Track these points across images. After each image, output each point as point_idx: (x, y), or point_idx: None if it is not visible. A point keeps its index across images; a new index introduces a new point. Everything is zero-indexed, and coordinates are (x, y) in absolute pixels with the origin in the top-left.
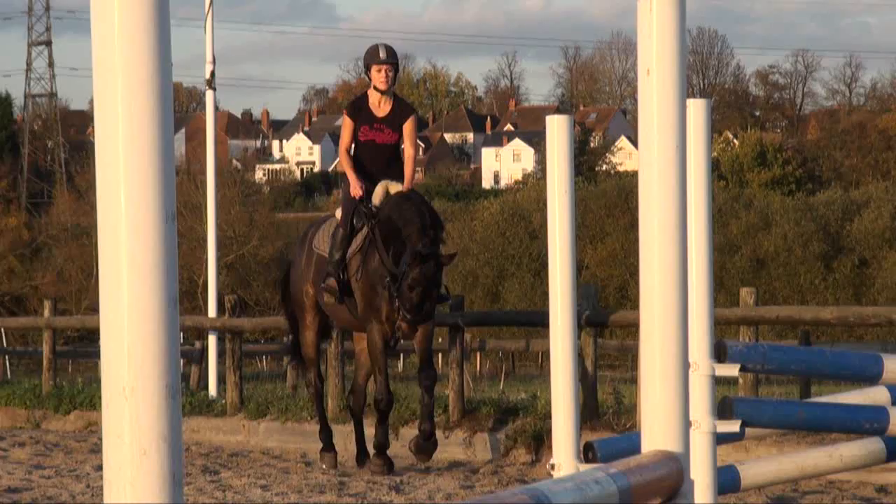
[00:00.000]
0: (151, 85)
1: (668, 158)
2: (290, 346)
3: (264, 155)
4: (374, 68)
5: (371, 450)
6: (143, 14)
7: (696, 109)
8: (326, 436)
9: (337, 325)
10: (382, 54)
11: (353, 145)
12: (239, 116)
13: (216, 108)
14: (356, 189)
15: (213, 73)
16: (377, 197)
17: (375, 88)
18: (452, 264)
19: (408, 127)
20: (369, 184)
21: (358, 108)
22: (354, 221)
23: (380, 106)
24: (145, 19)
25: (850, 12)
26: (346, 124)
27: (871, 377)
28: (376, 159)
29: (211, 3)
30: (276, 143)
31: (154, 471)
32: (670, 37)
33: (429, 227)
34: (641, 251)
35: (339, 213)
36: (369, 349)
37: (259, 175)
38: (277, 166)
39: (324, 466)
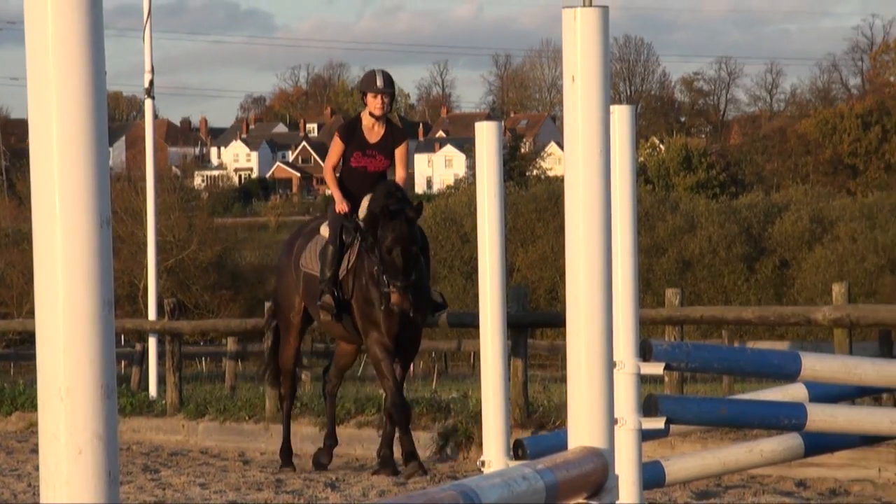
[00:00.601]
0: (85, 93)
1: (592, 163)
2: (269, 356)
3: (203, 162)
4: (370, 95)
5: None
6: (77, 24)
7: (621, 115)
8: (287, 455)
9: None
10: (380, 83)
11: (338, 165)
12: (178, 124)
13: (155, 117)
14: (342, 205)
15: (151, 83)
16: (363, 211)
17: (371, 114)
18: (422, 217)
19: (399, 152)
20: (353, 203)
21: (351, 131)
22: (343, 237)
23: (373, 130)
24: (78, 29)
25: (770, 20)
26: (336, 144)
27: (790, 375)
28: (364, 185)
29: (149, 14)
30: (214, 150)
31: (90, 469)
32: (594, 45)
33: (394, 191)
34: (567, 254)
35: (325, 230)
36: (373, 364)
37: (198, 181)
38: (216, 173)
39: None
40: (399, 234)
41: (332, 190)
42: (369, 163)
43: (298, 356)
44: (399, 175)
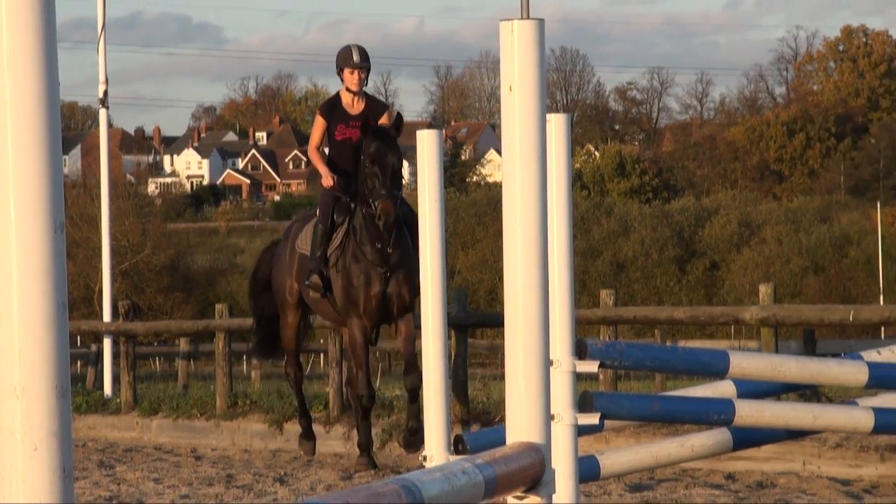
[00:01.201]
0: (39, 103)
1: (529, 169)
2: (256, 344)
3: (156, 169)
4: (346, 70)
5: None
6: (30, 37)
7: (557, 123)
8: (306, 422)
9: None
10: (356, 58)
11: (322, 144)
12: (132, 133)
13: (110, 126)
14: (327, 179)
15: (106, 93)
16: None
17: (347, 90)
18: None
19: (383, 121)
20: (343, 179)
21: (331, 108)
22: (335, 217)
23: (353, 105)
24: (32, 42)
25: (700, 32)
26: (318, 124)
27: (719, 372)
28: (352, 158)
29: (103, 27)
30: (167, 158)
31: (45, 466)
32: (530, 56)
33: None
34: (505, 256)
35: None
36: (350, 344)
37: (151, 188)
38: (169, 180)
39: (302, 452)
40: (379, 147)
41: (318, 166)
42: (354, 133)
43: (299, 334)
44: None
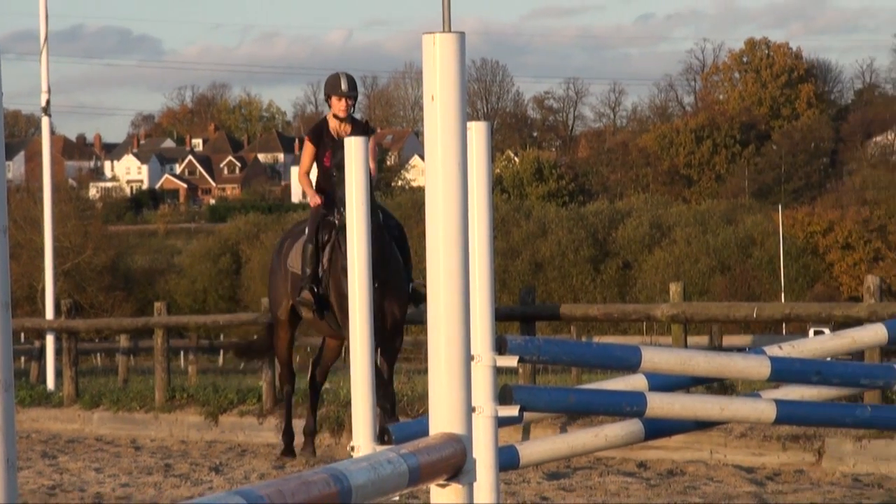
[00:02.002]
0: None
1: (450, 174)
2: (247, 345)
3: (97, 174)
4: (334, 98)
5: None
6: None
7: (478, 131)
8: (289, 440)
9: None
10: (344, 86)
11: (310, 169)
12: (74, 140)
13: (52, 133)
14: (314, 199)
15: (48, 102)
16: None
17: (335, 116)
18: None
19: (369, 145)
20: (330, 201)
21: (319, 134)
22: (320, 236)
23: (340, 130)
24: None
25: (613, 45)
26: (307, 149)
27: (631, 366)
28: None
29: (46, 39)
30: (107, 164)
31: None
32: (451, 68)
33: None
34: (428, 257)
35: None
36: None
37: (93, 192)
38: (109, 184)
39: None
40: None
41: (306, 189)
42: None
43: (291, 347)
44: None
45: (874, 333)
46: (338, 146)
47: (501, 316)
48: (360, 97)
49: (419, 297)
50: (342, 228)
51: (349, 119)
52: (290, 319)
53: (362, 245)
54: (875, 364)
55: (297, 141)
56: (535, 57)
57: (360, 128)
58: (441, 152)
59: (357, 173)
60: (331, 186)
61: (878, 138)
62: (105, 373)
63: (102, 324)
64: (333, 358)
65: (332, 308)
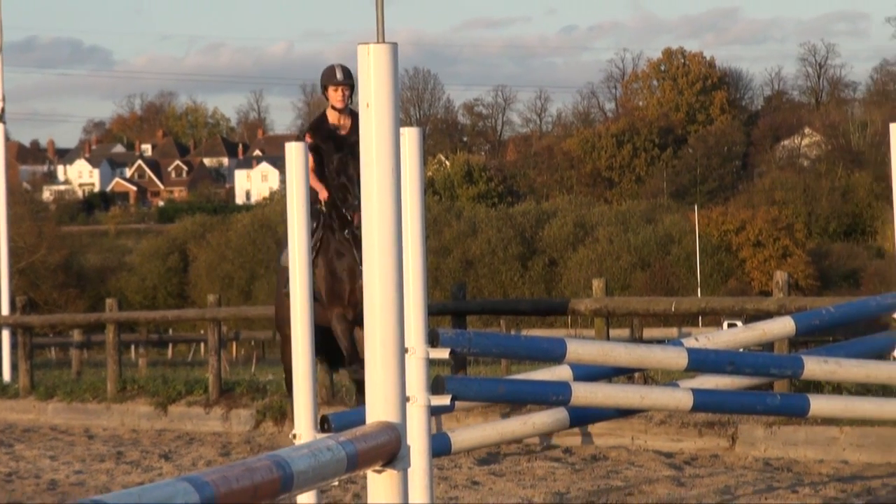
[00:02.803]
0: None
1: (385, 177)
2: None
3: (50, 178)
4: (331, 88)
5: None
6: None
7: (410, 136)
8: None
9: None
10: (339, 76)
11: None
12: (28, 146)
13: (7, 139)
14: (324, 192)
15: (3, 109)
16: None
17: (333, 107)
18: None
19: None
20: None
21: (318, 128)
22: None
23: (340, 123)
24: None
25: (539, 54)
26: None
27: (557, 358)
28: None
29: (0, 49)
30: (60, 168)
31: None
32: (385, 76)
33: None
34: (364, 255)
35: None
36: (336, 335)
37: (46, 195)
38: (62, 187)
39: None
40: (342, 158)
41: (313, 183)
42: None
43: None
44: None
45: (783, 326)
46: (338, 146)
47: (434, 311)
48: (302, 105)
49: None
50: (333, 213)
51: (347, 110)
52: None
53: (303, 251)
54: (784, 355)
55: (240, 146)
56: (465, 66)
57: (358, 119)
58: (376, 156)
59: (297, 176)
60: (335, 190)
61: (786, 142)
62: (59, 366)
63: (56, 319)
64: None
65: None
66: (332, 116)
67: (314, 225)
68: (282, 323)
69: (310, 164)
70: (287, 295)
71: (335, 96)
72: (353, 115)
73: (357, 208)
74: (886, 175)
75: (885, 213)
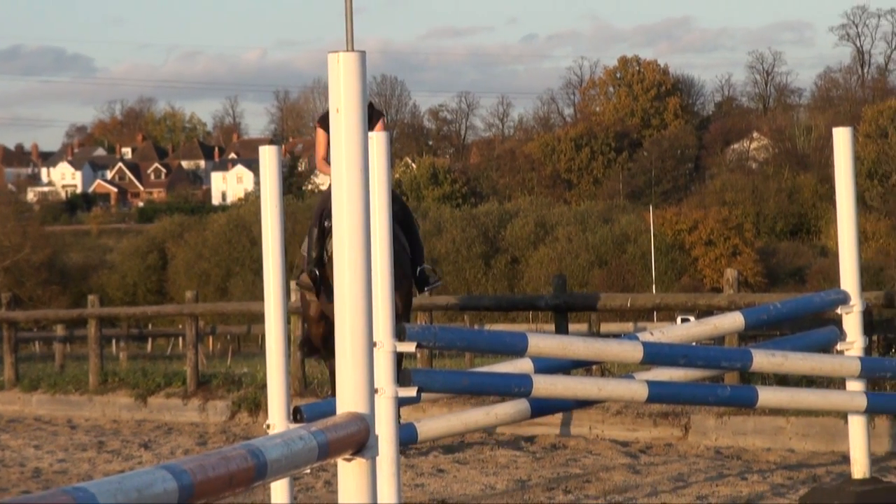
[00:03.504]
0: None
1: (354, 179)
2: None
3: (35, 180)
4: None
5: None
6: None
7: (378, 140)
8: None
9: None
10: None
11: (327, 155)
12: (13, 149)
13: None
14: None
15: None
16: None
17: None
18: None
19: (378, 129)
20: None
21: (328, 119)
22: (324, 221)
23: None
24: None
25: (501, 62)
26: (320, 136)
27: (518, 351)
28: None
29: None
30: (44, 171)
31: None
32: (354, 83)
33: None
34: (335, 253)
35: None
36: None
37: (31, 196)
38: (46, 189)
39: None
40: None
41: (325, 173)
42: None
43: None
44: None
45: (733, 321)
46: None
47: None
48: (275, 110)
49: (425, 281)
50: None
51: None
52: (320, 318)
53: (276, 250)
54: (734, 348)
55: (216, 149)
56: (430, 73)
57: (370, 111)
58: (345, 159)
59: (271, 177)
60: None
61: (736, 146)
62: (43, 359)
63: (40, 315)
64: None
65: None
66: None
67: (329, 225)
68: (304, 306)
69: (320, 153)
70: (297, 284)
71: None
72: (370, 107)
73: None
74: (830, 177)
75: (828, 214)
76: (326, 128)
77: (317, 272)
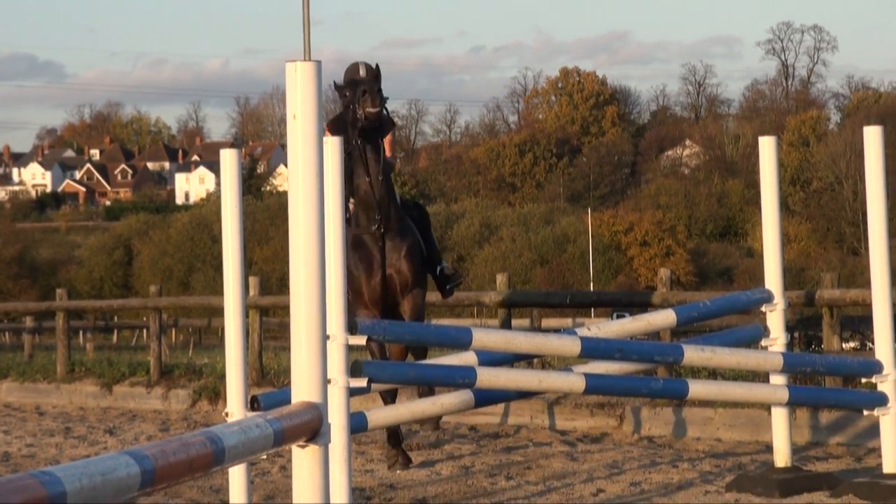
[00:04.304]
0: None
1: (309, 181)
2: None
3: (6, 180)
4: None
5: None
6: None
7: (332, 144)
8: (395, 441)
9: None
10: (363, 73)
11: None
12: None
13: None
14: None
15: None
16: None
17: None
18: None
19: (388, 138)
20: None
21: (342, 123)
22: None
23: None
24: None
25: (450, 72)
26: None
27: (464, 345)
28: None
29: None
30: (15, 171)
31: None
32: (310, 91)
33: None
34: (291, 251)
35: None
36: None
37: (2, 195)
38: (17, 188)
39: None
40: (364, 77)
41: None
42: None
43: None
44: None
45: (665, 317)
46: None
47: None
48: (236, 115)
49: (446, 281)
50: (360, 204)
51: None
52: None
53: (236, 247)
54: (666, 343)
55: (180, 151)
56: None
57: (382, 120)
58: (301, 162)
59: (231, 179)
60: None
61: (669, 152)
62: (13, 349)
63: (10, 307)
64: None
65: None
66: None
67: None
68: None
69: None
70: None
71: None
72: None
73: (366, 98)
74: (756, 183)
75: (755, 217)
76: (335, 132)
77: None
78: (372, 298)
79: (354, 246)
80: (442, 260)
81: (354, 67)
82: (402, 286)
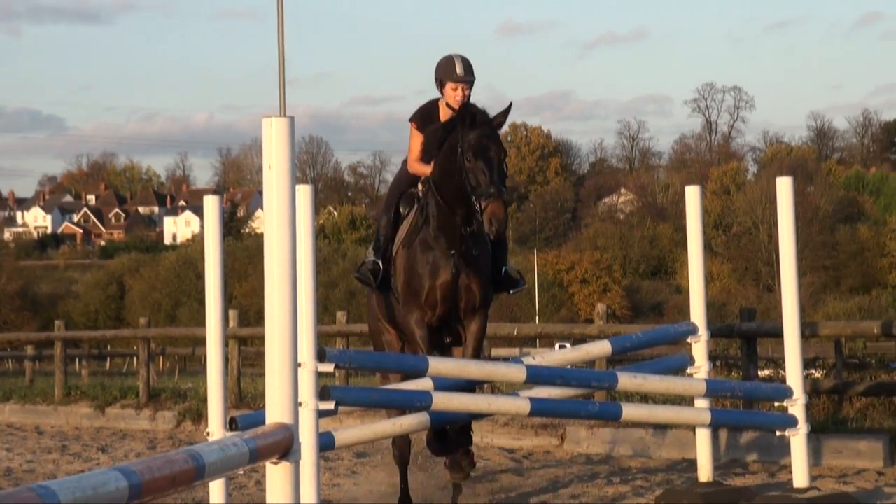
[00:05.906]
0: None
1: (283, 225)
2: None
3: (10, 222)
4: (449, 85)
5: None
6: None
7: (304, 192)
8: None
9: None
10: (459, 70)
11: (421, 156)
12: None
13: None
14: (426, 169)
15: None
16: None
17: (448, 105)
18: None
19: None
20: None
21: (427, 120)
22: (401, 208)
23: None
24: None
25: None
26: (415, 136)
27: (421, 372)
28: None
29: None
30: (19, 214)
31: None
32: (284, 143)
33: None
34: (266, 287)
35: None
36: (412, 340)
37: (7, 235)
38: (20, 229)
39: None
40: (483, 137)
41: (425, 170)
42: None
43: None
44: None
45: (602, 348)
46: (464, 120)
47: (324, 333)
48: (219, 164)
49: (510, 283)
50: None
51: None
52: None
53: (217, 283)
54: (602, 371)
55: (168, 197)
56: (351, 134)
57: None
58: (276, 207)
59: (213, 223)
60: (468, 173)
61: (606, 199)
62: (14, 375)
63: (13, 337)
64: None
65: (394, 290)
66: (444, 113)
67: (406, 211)
68: (371, 319)
69: (414, 154)
70: (356, 277)
71: (452, 95)
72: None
73: (493, 196)
74: (684, 227)
75: (682, 257)
76: (422, 128)
77: (380, 265)
78: (430, 301)
79: (423, 245)
80: (506, 260)
81: (450, 63)
82: (468, 304)
